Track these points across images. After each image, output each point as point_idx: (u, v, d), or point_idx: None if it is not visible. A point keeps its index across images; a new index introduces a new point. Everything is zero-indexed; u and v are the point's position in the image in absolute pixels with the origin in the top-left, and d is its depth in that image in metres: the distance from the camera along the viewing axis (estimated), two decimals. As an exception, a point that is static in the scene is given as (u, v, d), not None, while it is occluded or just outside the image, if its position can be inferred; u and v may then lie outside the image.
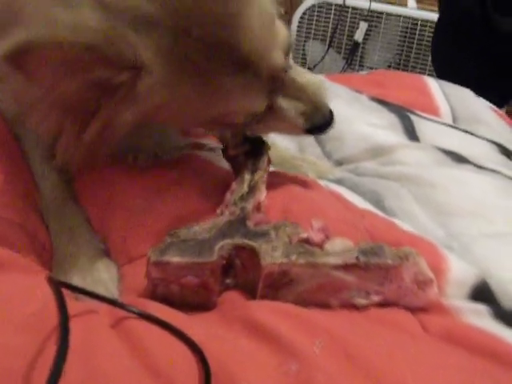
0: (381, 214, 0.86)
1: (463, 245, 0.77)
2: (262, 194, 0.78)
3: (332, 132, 0.91)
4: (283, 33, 0.73)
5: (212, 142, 0.99)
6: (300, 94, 0.78)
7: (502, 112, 1.37)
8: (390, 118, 1.15)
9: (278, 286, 0.63)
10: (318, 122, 0.81)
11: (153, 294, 0.65)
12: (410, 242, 0.74)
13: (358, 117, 1.15)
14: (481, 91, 1.36)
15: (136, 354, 0.53)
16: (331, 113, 0.82)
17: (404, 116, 1.16)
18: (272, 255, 0.63)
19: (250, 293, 0.65)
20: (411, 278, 0.64)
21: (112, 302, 0.59)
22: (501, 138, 1.17)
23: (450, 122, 1.24)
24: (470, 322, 0.64)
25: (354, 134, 1.11)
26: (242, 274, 0.67)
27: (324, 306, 0.63)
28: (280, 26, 0.73)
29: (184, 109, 0.71)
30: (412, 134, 1.11)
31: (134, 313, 0.57)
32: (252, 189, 0.77)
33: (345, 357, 0.54)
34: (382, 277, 0.64)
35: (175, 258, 0.62)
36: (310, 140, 1.13)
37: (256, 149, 0.84)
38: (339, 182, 0.96)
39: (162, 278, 0.63)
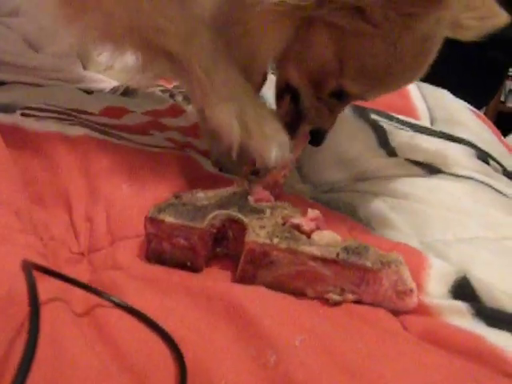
0: (358, 223, 0.87)
1: (439, 252, 0.78)
2: (279, 173, 0.81)
3: (308, 153, 0.98)
4: None
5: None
6: None
7: (480, 113, 1.38)
8: (365, 131, 1.15)
9: (258, 265, 0.64)
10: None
11: (147, 250, 0.69)
12: (388, 246, 0.74)
13: (333, 131, 1.16)
14: (459, 93, 1.37)
15: (108, 349, 0.52)
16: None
17: (378, 127, 1.16)
18: (257, 233, 0.65)
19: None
20: (391, 285, 0.64)
21: (88, 288, 0.57)
22: (478, 139, 1.18)
23: (428, 123, 1.25)
24: (451, 322, 0.63)
25: (327, 150, 1.10)
26: (233, 245, 0.69)
27: (300, 294, 0.64)
28: None
29: None
30: (386, 145, 1.11)
31: (109, 301, 0.56)
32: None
33: (325, 352, 0.53)
34: (359, 278, 0.64)
35: (169, 218, 0.66)
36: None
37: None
38: (314, 199, 0.96)
39: (156, 234, 0.67)
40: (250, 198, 0.73)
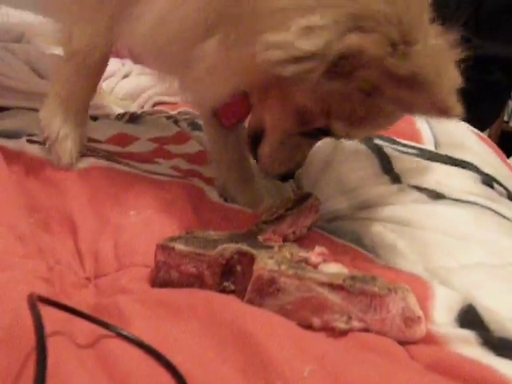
0: (362, 250, 0.87)
1: (443, 279, 0.78)
2: (289, 228, 0.83)
3: (311, 179, 1.01)
4: None
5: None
6: None
7: (484, 136, 1.38)
8: (368, 156, 1.15)
9: (265, 293, 0.64)
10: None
11: (155, 279, 0.70)
12: (392, 275, 0.74)
13: (335, 157, 1.16)
14: (461, 117, 1.37)
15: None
16: None
17: (381, 152, 1.16)
18: (266, 262, 0.65)
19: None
20: (398, 312, 0.64)
21: (94, 321, 0.57)
22: (482, 162, 1.18)
23: (432, 147, 1.24)
24: (459, 351, 0.63)
25: (330, 178, 1.12)
26: (241, 280, 0.69)
27: (306, 324, 0.63)
28: None
29: None
30: (389, 170, 1.12)
31: (116, 333, 0.56)
32: (277, 218, 0.81)
33: (334, 382, 0.53)
34: (366, 304, 0.64)
35: (179, 246, 0.69)
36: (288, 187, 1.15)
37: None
38: (319, 228, 0.95)
39: (165, 261, 0.69)
40: (260, 238, 0.75)
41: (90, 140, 1.06)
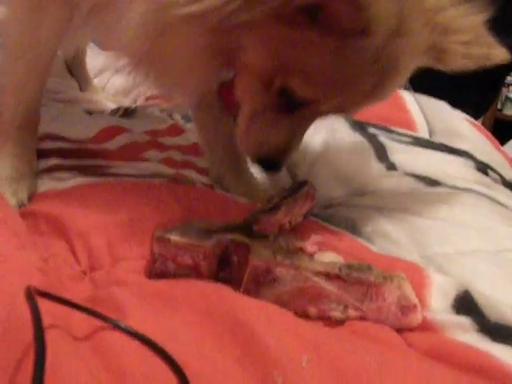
0: (357, 238, 0.87)
1: (439, 265, 0.78)
2: (284, 217, 0.80)
3: (306, 168, 0.98)
4: None
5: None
6: None
7: (478, 123, 1.38)
8: (363, 145, 1.16)
9: (261, 283, 0.65)
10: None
11: (151, 270, 0.70)
12: (388, 262, 0.74)
13: (330, 145, 1.16)
14: (456, 104, 1.37)
15: (112, 376, 0.51)
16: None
17: (376, 141, 1.16)
18: (261, 252, 0.66)
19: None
20: (394, 301, 0.64)
21: (92, 313, 0.56)
22: (477, 150, 1.19)
23: (427, 135, 1.25)
24: (455, 338, 0.63)
25: (326, 166, 1.11)
26: (237, 270, 0.69)
27: (303, 314, 0.64)
28: None
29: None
30: (384, 159, 1.12)
31: (114, 325, 0.55)
32: (273, 207, 0.80)
33: (332, 371, 0.53)
34: (362, 293, 0.64)
35: (175, 237, 0.68)
36: (284, 175, 1.14)
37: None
38: (314, 215, 0.95)
39: (161, 253, 0.69)
40: (255, 227, 0.74)
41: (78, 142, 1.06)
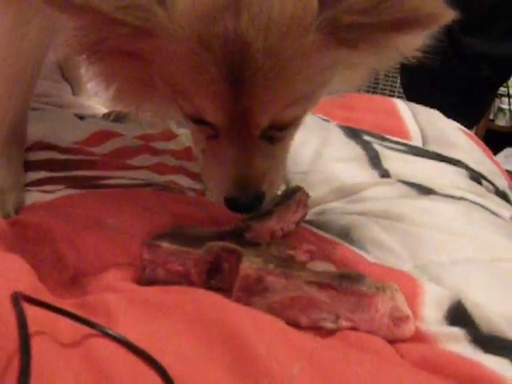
0: (350, 246, 0.86)
1: (433, 274, 0.77)
2: (276, 224, 0.80)
3: (298, 173, 0.97)
4: None
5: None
6: None
7: (471, 133, 1.39)
8: (357, 152, 1.15)
9: (252, 292, 0.64)
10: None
11: (140, 277, 0.69)
12: (381, 272, 0.74)
13: (324, 152, 1.15)
14: (449, 113, 1.38)
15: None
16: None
17: (370, 149, 1.16)
18: (253, 260, 0.64)
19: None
20: (387, 312, 0.63)
21: (81, 320, 0.55)
22: (470, 159, 1.19)
23: (420, 144, 1.25)
24: (448, 349, 0.63)
25: (319, 173, 1.10)
26: (229, 278, 0.68)
27: (294, 323, 0.63)
28: None
29: None
30: (378, 166, 1.12)
31: (103, 333, 0.54)
32: (264, 214, 0.79)
33: (324, 380, 0.52)
34: (354, 303, 0.63)
35: (165, 244, 0.68)
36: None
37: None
38: (307, 222, 0.94)
39: (151, 260, 0.68)
40: (247, 235, 0.74)
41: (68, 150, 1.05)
